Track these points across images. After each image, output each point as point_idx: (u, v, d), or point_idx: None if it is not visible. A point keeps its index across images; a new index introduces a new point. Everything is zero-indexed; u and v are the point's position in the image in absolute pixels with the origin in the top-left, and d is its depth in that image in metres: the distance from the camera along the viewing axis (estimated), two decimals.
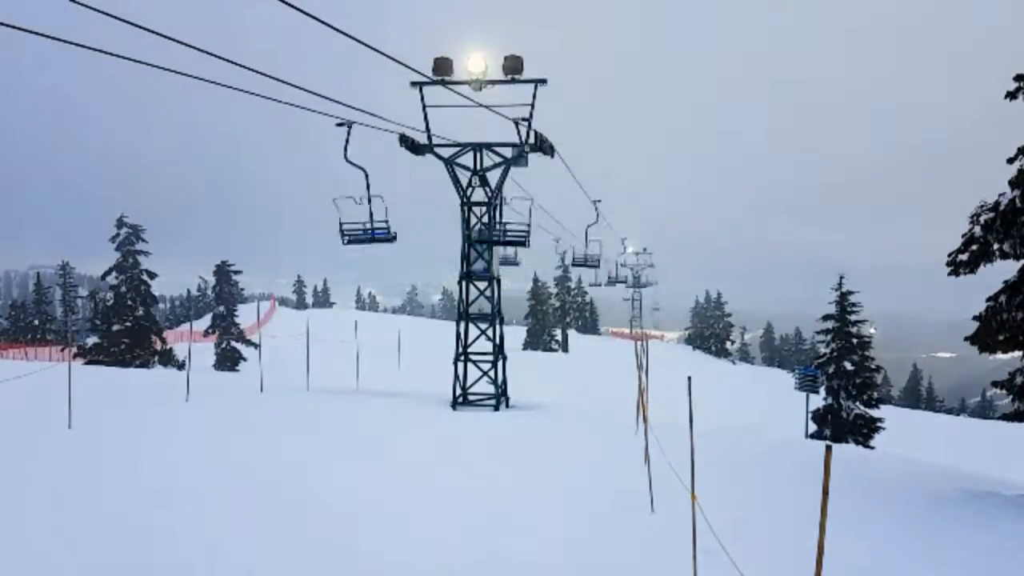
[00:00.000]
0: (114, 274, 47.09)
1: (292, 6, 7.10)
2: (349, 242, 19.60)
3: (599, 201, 31.20)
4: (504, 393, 22.73)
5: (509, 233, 22.17)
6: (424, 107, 21.13)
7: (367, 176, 19.11)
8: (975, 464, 25.98)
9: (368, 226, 19.54)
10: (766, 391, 56.65)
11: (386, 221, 19.69)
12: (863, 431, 34.31)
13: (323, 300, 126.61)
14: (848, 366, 35.55)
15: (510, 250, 27.01)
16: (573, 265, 36.01)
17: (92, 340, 46.25)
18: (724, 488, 12.05)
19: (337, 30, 7.97)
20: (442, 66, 20.07)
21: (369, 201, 19.42)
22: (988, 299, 14.56)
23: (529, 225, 21.75)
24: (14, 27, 6.84)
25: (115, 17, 7.05)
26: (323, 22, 7.56)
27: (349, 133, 17.90)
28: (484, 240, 22.17)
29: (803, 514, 9.57)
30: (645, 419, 12.69)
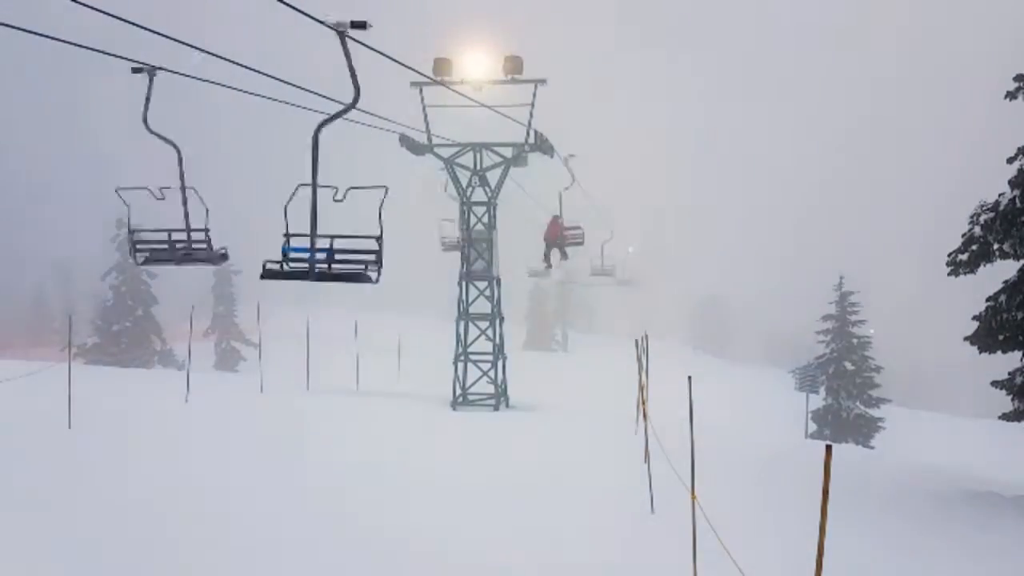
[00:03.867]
0: (114, 274, 47.09)
1: (289, 5, 7.10)
2: (147, 261, 11.67)
3: (609, 208, 32.05)
4: (504, 393, 22.73)
5: (569, 237, 22.46)
6: (424, 107, 21.14)
7: (180, 155, 11.10)
8: (975, 464, 25.97)
9: (179, 237, 11.43)
10: (766, 391, 56.62)
11: (206, 230, 11.53)
12: (863, 431, 34.30)
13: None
14: (848, 366, 35.54)
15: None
16: (592, 275, 36.56)
17: (92, 340, 46.28)
18: (724, 488, 12.04)
19: (337, 30, 7.96)
20: (442, 66, 20.07)
21: (183, 197, 11.20)
22: (988, 299, 14.55)
23: (582, 228, 22.36)
24: (14, 27, 6.84)
25: (115, 17, 7.04)
26: (323, 23, 7.55)
27: (151, 85, 10.27)
28: (558, 244, 22.13)
29: (803, 514, 9.56)
30: (645, 418, 12.68)
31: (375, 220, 8.49)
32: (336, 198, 8.48)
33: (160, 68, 10.12)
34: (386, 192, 8.52)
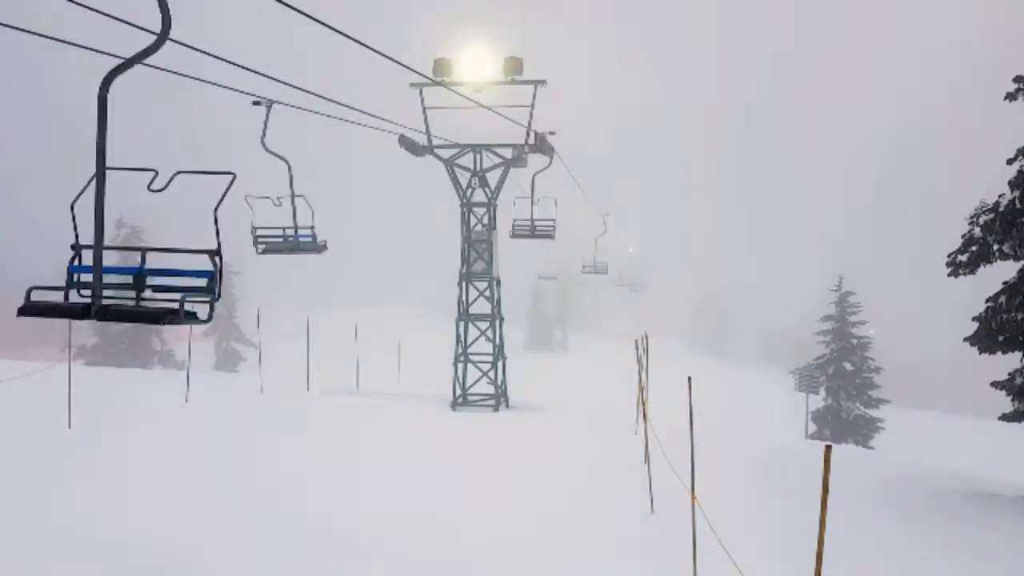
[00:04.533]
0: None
1: (290, 7, 7.10)
2: (265, 251, 14.78)
3: (608, 215, 31.97)
4: (504, 394, 22.74)
5: (538, 228, 22.21)
6: (424, 108, 21.15)
7: (290, 169, 14.18)
8: (975, 464, 25.98)
9: (289, 232, 14.59)
10: (766, 391, 56.65)
11: (312, 227, 14.71)
12: (863, 431, 34.33)
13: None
14: (848, 366, 35.56)
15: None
16: (583, 273, 36.55)
17: (92, 340, 46.29)
18: (724, 488, 12.05)
19: (337, 31, 7.97)
20: (442, 67, 20.09)
21: (293, 202, 14.38)
22: (988, 299, 14.57)
23: (554, 220, 22.04)
24: (14, 27, 6.85)
25: (115, 18, 7.05)
26: (322, 23, 7.56)
27: (268, 114, 13.55)
28: (520, 235, 21.96)
29: (803, 514, 9.57)
30: (645, 418, 12.69)
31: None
32: (153, 187, 5.47)
33: (276, 102, 12.69)
34: (232, 180, 5.42)
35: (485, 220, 22.44)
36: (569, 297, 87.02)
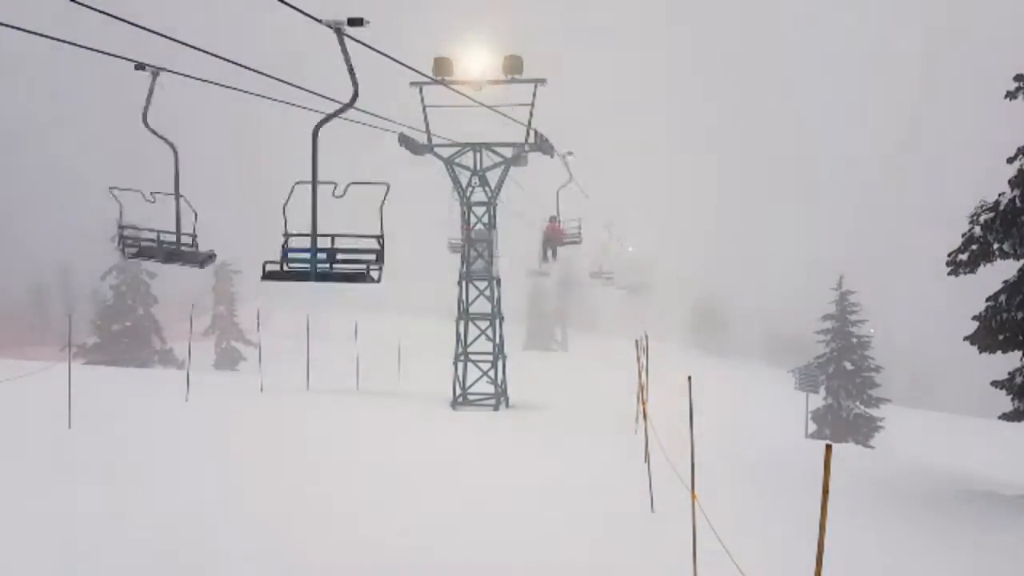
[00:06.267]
0: (114, 274, 47.10)
1: (290, 5, 7.10)
2: (134, 255, 12.36)
3: (611, 224, 32.24)
4: (504, 393, 22.72)
5: (567, 236, 22.58)
6: (424, 107, 21.13)
7: (176, 155, 11.42)
8: (975, 464, 25.97)
9: (166, 237, 11.81)
10: (766, 391, 56.64)
11: (193, 234, 11.81)
12: (863, 431, 34.32)
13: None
14: (848, 365, 35.55)
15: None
16: (591, 278, 36.75)
17: (92, 340, 46.29)
18: (724, 488, 12.04)
19: (335, 28, 7.96)
20: (442, 66, 20.07)
21: (177, 199, 11.49)
22: (988, 299, 14.56)
23: (580, 225, 22.46)
24: (14, 27, 6.84)
25: (115, 17, 7.04)
26: (319, 20, 7.55)
27: (153, 84, 10.48)
28: (552, 242, 22.31)
29: (803, 514, 9.57)
30: (645, 418, 12.68)
31: (376, 219, 8.43)
32: (336, 194, 8.19)
33: (162, 69, 10.26)
34: (388, 189, 8.33)
35: (485, 219, 22.43)
36: (569, 297, 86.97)
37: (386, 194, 8.33)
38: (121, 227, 11.96)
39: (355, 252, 8.59)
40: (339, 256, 8.55)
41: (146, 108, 10.82)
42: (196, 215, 11.75)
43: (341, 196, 8.21)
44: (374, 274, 8.48)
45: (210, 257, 12.12)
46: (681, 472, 11.24)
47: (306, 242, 8.35)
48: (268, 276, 8.48)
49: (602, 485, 12.56)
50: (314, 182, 8.05)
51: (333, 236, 8.47)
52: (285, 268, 8.48)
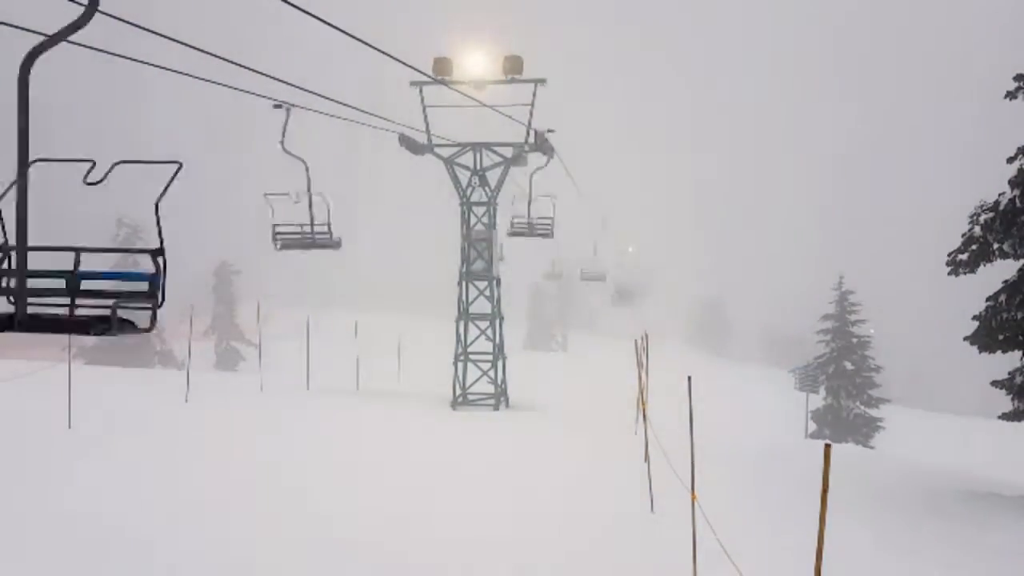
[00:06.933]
0: None
1: (293, 5, 7.10)
2: (283, 247, 16.09)
3: (606, 216, 31.82)
4: (504, 393, 22.73)
5: (536, 227, 22.38)
6: (424, 107, 21.14)
7: (308, 169, 15.27)
8: (975, 464, 25.98)
9: (307, 229, 15.67)
10: (766, 391, 56.64)
11: (328, 224, 15.69)
12: (863, 431, 34.32)
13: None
14: (848, 366, 35.55)
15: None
16: (583, 279, 36.52)
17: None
18: (724, 488, 12.04)
19: (339, 29, 7.97)
20: (442, 66, 20.08)
21: (309, 200, 15.38)
22: (988, 299, 14.56)
23: (552, 219, 22.20)
24: (14, 27, 6.84)
25: (114, 17, 7.03)
26: (325, 22, 7.56)
27: (288, 117, 14.50)
28: (518, 233, 22.21)
29: (803, 514, 9.57)
30: (645, 418, 12.69)
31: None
32: (88, 180, 4.79)
33: (295, 106, 13.54)
34: (179, 169, 4.69)
35: (485, 219, 22.44)
36: (569, 297, 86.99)
37: (171, 179, 4.64)
38: (274, 225, 15.49)
39: (117, 280, 4.82)
40: (87, 286, 4.73)
41: (283, 137, 14.63)
42: (330, 210, 15.37)
43: (98, 182, 4.77)
44: (137, 318, 4.72)
45: (339, 242, 15.93)
46: (681, 472, 11.25)
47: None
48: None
49: (602, 485, 12.56)
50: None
51: (78, 250, 4.82)
52: None
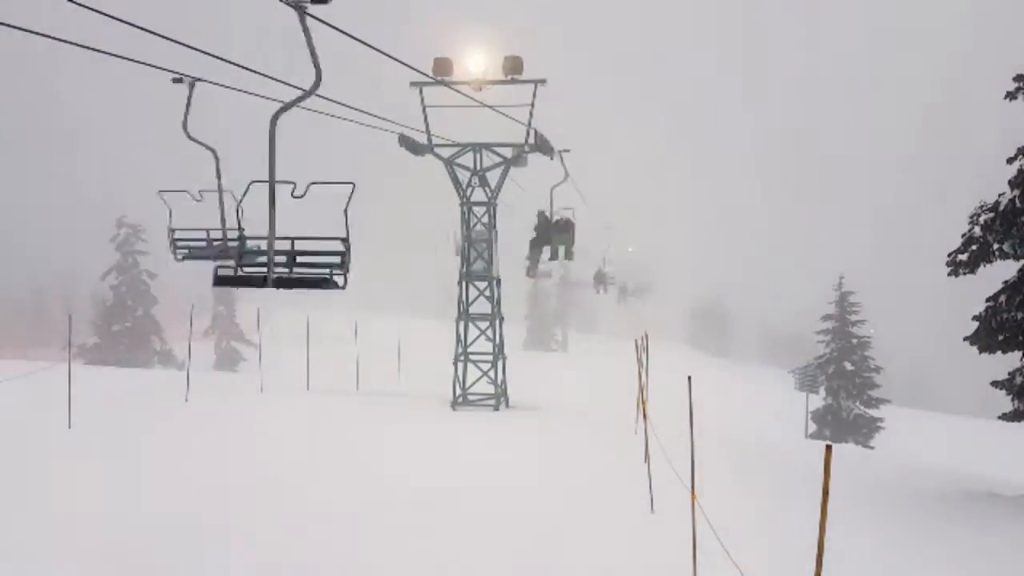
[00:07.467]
0: (114, 274, 47.11)
1: (292, 6, 7.09)
2: (185, 258, 12.88)
3: (611, 227, 31.90)
4: (504, 393, 22.72)
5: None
6: (424, 107, 21.13)
7: (217, 160, 11.96)
8: (975, 464, 25.98)
9: (215, 235, 12.26)
10: (766, 391, 56.65)
11: (241, 228, 11.74)
12: (863, 431, 34.33)
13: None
14: (848, 366, 35.56)
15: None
16: (595, 282, 36.56)
17: (92, 340, 46.30)
18: (724, 488, 12.04)
19: (338, 30, 7.97)
20: (442, 66, 20.07)
21: (220, 198, 12.00)
22: (988, 299, 14.56)
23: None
24: (14, 27, 6.84)
25: (113, 17, 7.04)
26: (324, 21, 7.55)
27: (191, 93, 11.20)
28: (546, 242, 21.86)
29: (803, 514, 9.58)
30: (645, 418, 12.68)
31: (343, 220, 7.68)
32: (295, 194, 7.35)
33: (200, 79, 10.89)
34: (353, 189, 7.45)
35: (485, 219, 22.43)
36: (569, 297, 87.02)
37: (351, 194, 7.50)
38: (171, 230, 12.29)
39: (317, 255, 7.79)
40: (299, 260, 7.72)
41: (185, 117, 11.30)
42: (242, 211, 11.40)
43: (300, 197, 7.40)
44: (338, 279, 7.63)
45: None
46: (681, 472, 11.25)
47: (262, 244, 7.67)
48: (219, 281, 7.93)
49: (602, 485, 12.56)
50: (272, 180, 7.36)
51: (293, 239, 7.67)
52: (239, 272, 7.90)
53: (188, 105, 11.13)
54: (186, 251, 12.37)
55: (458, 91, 15.48)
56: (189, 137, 11.57)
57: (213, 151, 11.82)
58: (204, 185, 11.45)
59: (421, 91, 20.88)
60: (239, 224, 11.52)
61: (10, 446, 13.28)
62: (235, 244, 11.35)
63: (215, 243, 12.06)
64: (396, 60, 9.95)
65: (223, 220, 11.81)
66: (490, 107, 17.46)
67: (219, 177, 11.78)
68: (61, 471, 11.89)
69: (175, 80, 10.76)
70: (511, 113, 19.37)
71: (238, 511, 10.24)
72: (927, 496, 14.53)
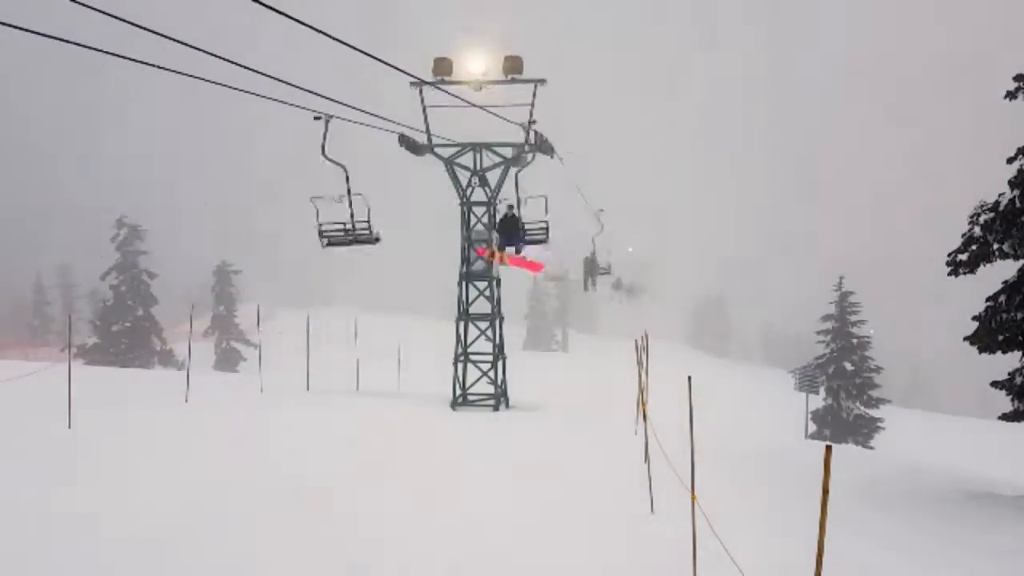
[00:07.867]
0: (114, 274, 47.09)
1: (291, 18, 7.10)
2: (329, 244, 17.83)
3: (602, 210, 31.13)
4: (504, 393, 22.73)
5: (528, 233, 21.54)
6: (424, 107, 21.13)
7: (347, 173, 16.97)
8: (975, 464, 25.98)
9: (348, 227, 17.54)
10: (766, 391, 56.67)
11: (367, 222, 17.59)
12: (863, 431, 34.33)
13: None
14: (848, 366, 35.56)
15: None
16: (613, 289, 36.45)
17: (92, 340, 46.28)
18: (724, 488, 12.04)
19: (336, 39, 7.97)
20: (442, 66, 20.09)
21: (349, 201, 17.28)
22: (988, 299, 14.56)
23: (547, 222, 21.56)
24: (14, 27, 6.84)
25: (113, 16, 7.04)
26: (323, 32, 7.56)
27: (327, 128, 15.92)
28: (510, 243, 21.36)
29: (803, 514, 9.58)
30: (645, 418, 12.68)
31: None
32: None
33: (334, 116, 15.23)
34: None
35: (485, 219, 22.44)
36: (569, 297, 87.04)
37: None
38: (320, 224, 17.42)
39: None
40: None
41: (324, 145, 16.02)
42: (369, 209, 17.45)
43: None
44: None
45: (379, 237, 17.79)
46: (681, 472, 11.24)
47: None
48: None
49: (602, 485, 12.56)
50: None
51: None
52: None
53: (325, 134, 15.81)
54: (328, 240, 17.68)
55: (456, 96, 15.49)
56: (327, 159, 16.38)
57: (343, 168, 16.75)
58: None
59: (421, 91, 20.88)
60: (368, 219, 17.49)
61: (10, 446, 13.27)
62: (364, 233, 17.59)
63: (349, 233, 17.62)
64: (395, 68, 9.95)
65: (352, 215, 17.40)
66: (490, 109, 17.45)
67: (348, 182, 16.97)
68: (61, 471, 11.89)
69: (316, 118, 15.16)
70: (510, 113, 19.37)
71: (238, 511, 10.24)
72: (927, 496, 14.53)
